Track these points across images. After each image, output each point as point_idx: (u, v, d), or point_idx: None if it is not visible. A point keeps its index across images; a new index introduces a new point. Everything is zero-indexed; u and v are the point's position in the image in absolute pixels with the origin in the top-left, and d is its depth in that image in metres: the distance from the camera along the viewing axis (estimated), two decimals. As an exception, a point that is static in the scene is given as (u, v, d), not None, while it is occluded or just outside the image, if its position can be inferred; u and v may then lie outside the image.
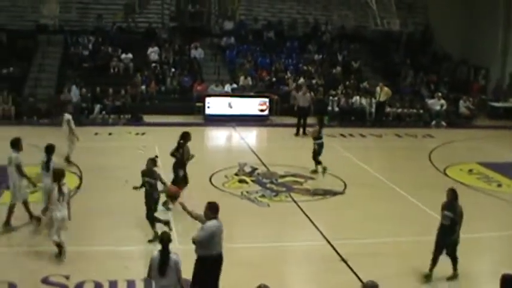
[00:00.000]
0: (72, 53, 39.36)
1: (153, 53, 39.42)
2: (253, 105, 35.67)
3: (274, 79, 39.06)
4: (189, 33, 41.65)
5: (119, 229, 17.75)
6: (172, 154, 20.26)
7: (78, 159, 24.61)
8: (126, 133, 31.09)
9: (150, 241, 16.75)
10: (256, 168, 24.67)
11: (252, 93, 36.68)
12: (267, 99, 35.89)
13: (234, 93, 36.49)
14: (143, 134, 30.72)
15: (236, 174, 23.74)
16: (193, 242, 12.72)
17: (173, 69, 38.65)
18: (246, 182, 22.95)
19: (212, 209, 12.99)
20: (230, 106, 35.08)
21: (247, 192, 21.74)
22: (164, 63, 39.27)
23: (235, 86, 37.36)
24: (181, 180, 19.96)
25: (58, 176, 15.85)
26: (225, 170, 24.09)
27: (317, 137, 24.60)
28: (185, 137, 20.33)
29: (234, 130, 32.66)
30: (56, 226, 15.66)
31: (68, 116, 24.66)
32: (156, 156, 17.62)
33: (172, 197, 16.43)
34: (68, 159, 24.21)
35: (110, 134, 30.80)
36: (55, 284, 14.40)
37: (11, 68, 37.27)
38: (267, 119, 35.55)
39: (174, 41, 41.16)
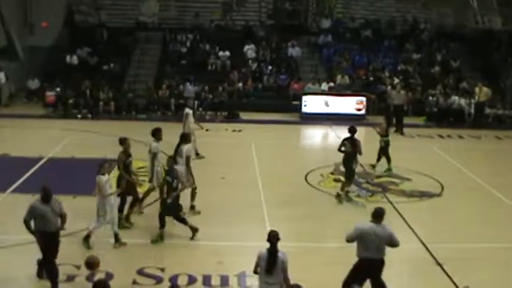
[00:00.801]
0: (171, 50, 40.14)
1: (249, 50, 39.70)
2: (350, 104, 35.52)
3: (371, 78, 38.79)
4: (286, 31, 41.79)
5: (215, 225, 17.96)
6: (339, 149, 20.83)
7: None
8: (223, 129, 31.41)
9: (153, 241, 16.68)
10: (351, 168, 24.56)
11: (348, 92, 36.50)
12: (363, 99, 35.68)
13: (330, 92, 36.40)
14: (239, 130, 30.93)
15: (332, 174, 23.67)
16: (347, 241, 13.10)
17: (270, 67, 38.82)
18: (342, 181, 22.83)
19: (373, 214, 13.17)
20: (327, 105, 35.02)
21: (342, 191, 21.63)
22: (261, 61, 39.49)
23: (332, 84, 37.25)
24: (352, 174, 20.76)
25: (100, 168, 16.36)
26: (321, 168, 24.06)
27: (385, 134, 24.60)
28: (353, 131, 20.94)
29: (330, 129, 32.53)
30: None
31: (188, 110, 25.55)
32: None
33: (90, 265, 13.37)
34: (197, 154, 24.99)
35: (207, 130, 31.05)
36: (150, 276, 14.74)
37: (112, 64, 38.24)
38: (363, 118, 35.27)
39: (271, 39, 41.31)
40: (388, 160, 24.53)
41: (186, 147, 18.90)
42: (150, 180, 18.98)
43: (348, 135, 20.89)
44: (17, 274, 14.72)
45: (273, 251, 11.52)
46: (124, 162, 17.44)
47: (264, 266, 11.51)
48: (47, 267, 13.91)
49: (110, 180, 16.43)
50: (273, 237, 11.61)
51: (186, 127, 24.84)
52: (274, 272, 11.44)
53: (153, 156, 18.72)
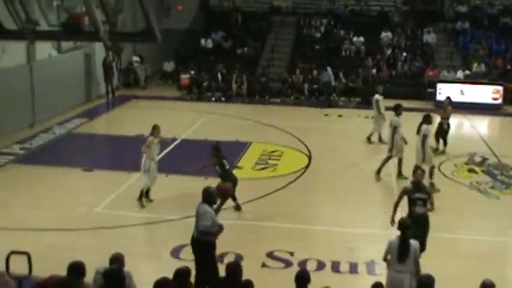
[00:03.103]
0: (305, 35, 40.18)
1: (385, 36, 39.27)
2: (486, 93, 34.51)
3: (508, 67, 37.66)
4: (421, 17, 41.09)
5: (345, 211, 17.92)
6: None
7: (306, 139, 25.10)
8: (356, 116, 31.02)
9: None
10: (486, 159, 23.92)
11: (485, 81, 35.57)
12: (500, 88, 34.64)
13: (466, 80, 35.58)
14: (372, 117, 30.66)
15: (466, 164, 23.18)
16: None
17: (405, 54, 38.27)
18: (476, 172, 22.35)
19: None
20: (462, 93, 34.15)
21: (476, 182, 21.14)
22: (396, 47, 38.99)
23: (467, 72, 36.40)
24: None
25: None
26: (455, 158, 23.60)
27: (449, 117, 24.60)
28: None
29: (465, 118, 31.71)
30: None
31: (378, 97, 25.80)
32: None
33: (222, 194, 14.68)
34: (369, 138, 25.77)
35: (339, 116, 31.02)
36: (279, 259, 14.85)
37: (246, 48, 38.65)
38: (499, 108, 34.27)
39: (407, 25, 40.75)
40: (445, 143, 24.60)
41: (424, 127, 19.70)
42: (390, 150, 20.86)
43: None
44: (160, 250, 15.41)
45: (404, 239, 11.31)
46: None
47: (396, 254, 11.31)
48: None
49: (158, 144, 18.20)
50: (401, 226, 11.48)
51: (377, 114, 25.65)
52: (406, 260, 11.22)
53: (394, 129, 20.75)
